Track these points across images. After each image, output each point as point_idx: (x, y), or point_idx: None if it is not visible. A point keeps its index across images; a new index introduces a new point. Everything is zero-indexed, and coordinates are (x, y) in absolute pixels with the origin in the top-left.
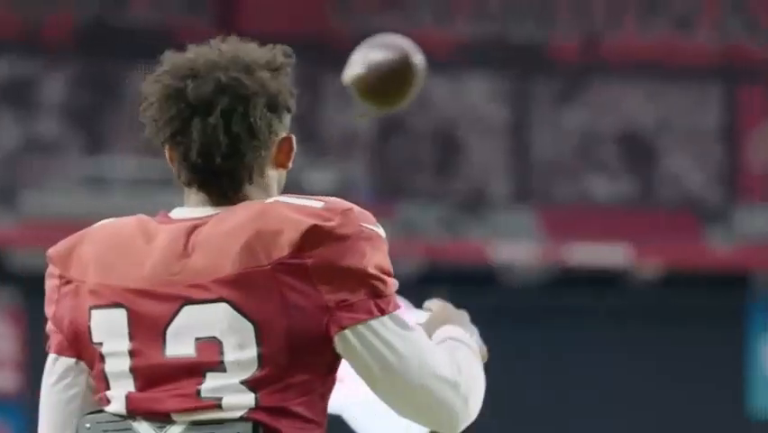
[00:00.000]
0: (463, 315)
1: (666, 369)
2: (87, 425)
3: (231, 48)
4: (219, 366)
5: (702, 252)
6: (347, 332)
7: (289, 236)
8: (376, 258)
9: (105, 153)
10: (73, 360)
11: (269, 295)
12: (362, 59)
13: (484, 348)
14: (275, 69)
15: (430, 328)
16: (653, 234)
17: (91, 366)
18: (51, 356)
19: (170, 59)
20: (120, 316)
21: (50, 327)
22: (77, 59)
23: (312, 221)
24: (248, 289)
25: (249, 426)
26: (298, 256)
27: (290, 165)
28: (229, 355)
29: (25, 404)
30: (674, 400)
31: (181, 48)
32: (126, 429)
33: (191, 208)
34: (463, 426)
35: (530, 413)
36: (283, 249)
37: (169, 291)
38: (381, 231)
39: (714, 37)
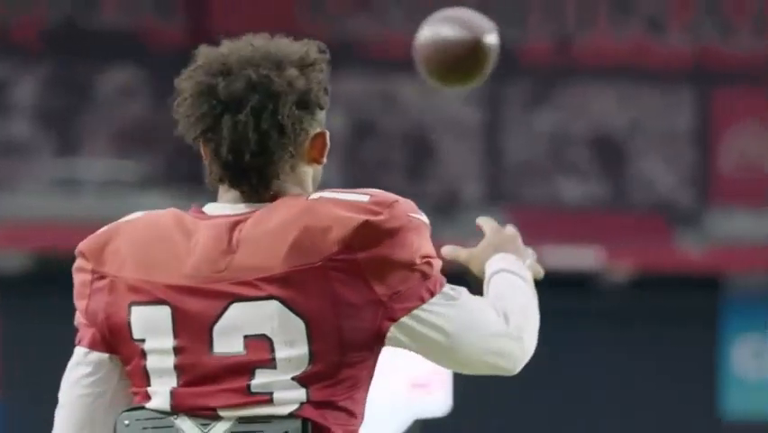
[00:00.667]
0: (515, 238)
1: (638, 371)
2: (126, 422)
3: (263, 44)
4: (270, 363)
5: (674, 254)
6: (402, 321)
7: (340, 233)
8: (423, 246)
9: (76, 155)
10: (107, 355)
11: (320, 292)
12: (432, 34)
13: (538, 268)
14: (307, 66)
15: (483, 256)
16: (624, 236)
17: (127, 362)
18: (82, 350)
19: (204, 54)
20: (164, 313)
21: (80, 320)
22: (47, 61)
23: (362, 217)
24: (298, 286)
25: (298, 423)
26: (349, 253)
27: (324, 161)
28: (280, 353)
29: None
30: (646, 402)
31: (198, 50)
32: (167, 427)
33: (226, 205)
34: (525, 362)
35: (500, 414)
36: (333, 246)
37: (215, 289)
38: (425, 218)
39: (686, 39)
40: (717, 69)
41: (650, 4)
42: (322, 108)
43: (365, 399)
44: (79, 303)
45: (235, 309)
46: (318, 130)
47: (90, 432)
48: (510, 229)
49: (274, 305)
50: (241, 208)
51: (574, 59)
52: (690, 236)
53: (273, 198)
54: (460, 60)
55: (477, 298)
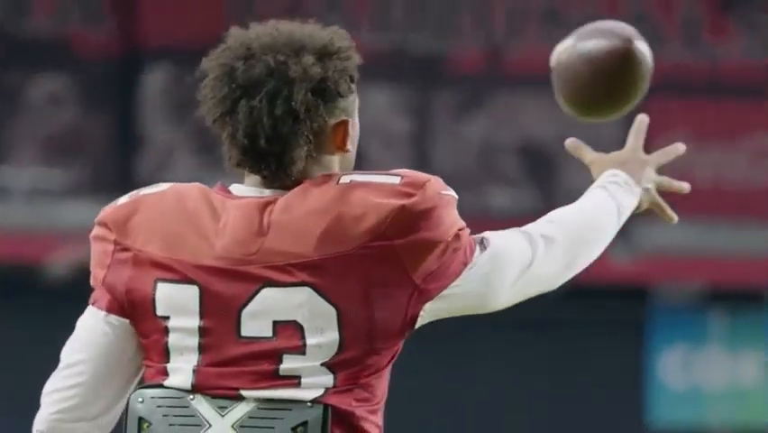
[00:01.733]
0: (644, 164)
1: (565, 382)
2: (140, 399)
3: (289, 29)
4: (299, 350)
5: (602, 265)
6: (436, 299)
7: (374, 220)
8: (456, 221)
9: (4, 164)
10: (127, 321)
11: (353, 280)
12: (570, 53)
13: (653, 198)
14: (328, 54)
15: (604, 166)
16: None
17: (145, 336)
18: (100, 313)
19: (233, 36)
20: (192, 292)
21: (97, 284)
22: None
23: (397, 202)
24: (332, 273)
25: (319, 411)
26: (385, 240)
27: (350, 148)
28: (311, 339)
29: None
30: (574, 412)
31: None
32: (184, 407)
33: (251, 188)
34: (565, 279)
35: (424, 427)
36: (368, 234)
37: (246, 271)
38: (453, 192)
39: None
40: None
41: (579, 14)
42: (342, 96)
43: (388, 375)
44: (97, 271)
45: (266, 294)
46: (341, 118)
47: (106, 368)
48: (645, 156)
49: (306, 291)
50: (266, 193)
51: (504, 68)
52: (619, 247)
53: (297, 184)
54: (611, 75)
55: (504, 241)
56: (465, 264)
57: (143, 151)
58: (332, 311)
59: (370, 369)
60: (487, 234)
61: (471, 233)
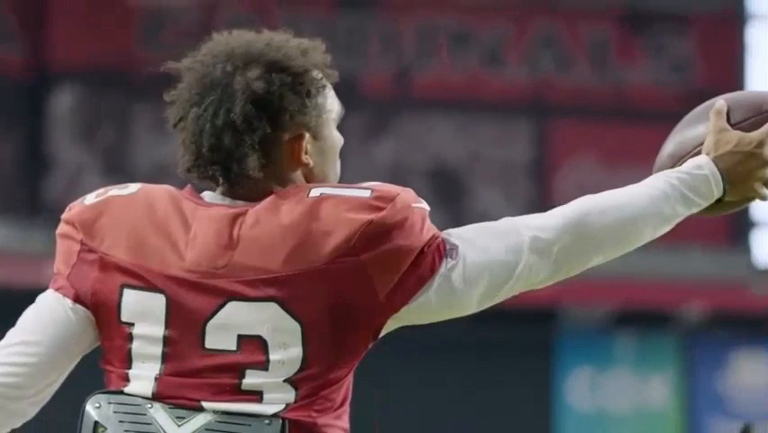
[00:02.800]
0: (725, 158)
1: (474, 402)
2: (97, 404)
3: (251, 39)
4: (262, 365)
5: None
6: (402, 310)
7: (343, 235)
8: (425, 233)
9: None
10: (91, 313)
11: (320, 295)
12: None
13: (709, 186)
14: (279, 68)
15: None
16: None
17: (106, 339)
18: (66, 300)
19: (212, 40)
20: (158, 301)
21: (60, 277)
22: None
23: (365, 216)
24: (299, 289)
25: (278, 426)
26: (353, 254)
27: (308, 162)
28: (274, 355)
29: None
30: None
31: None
32: (141, 414)
33: (222, 196)
34: (567, 269)
35: None
36: (337, 248)
37: (213, 285)
38: (425, 204)
39: (523, 71)
40: (555, 101)
41: (488, 37)
42: (289, 110)
43: (350, 382)
44: (61, 267)
45: (232, 308)
46: (298, 132)
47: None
48: (728, 136)
49: (272, 307)
50: (238, 203)
51: (413, 91)
52: None
53: (266, 194)
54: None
55: (479, 247)
56: (430, 276)
57: (52, 172)
58: (296, 327)
59: (331, 382)
60: (467, 248)
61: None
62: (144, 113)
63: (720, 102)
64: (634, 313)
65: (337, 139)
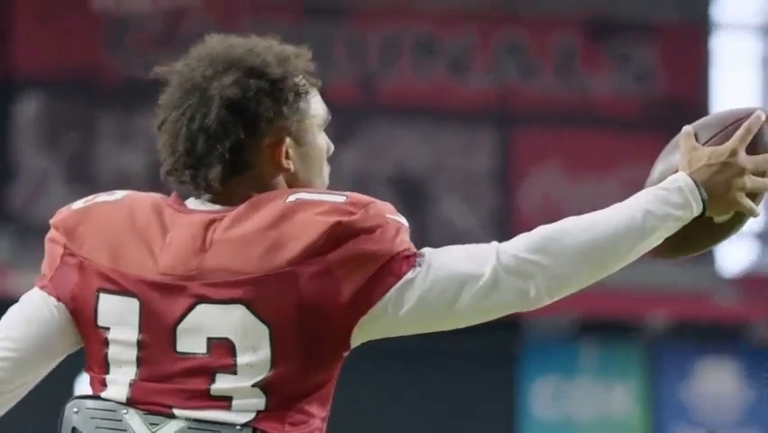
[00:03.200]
0: (701, 172)
1: (438, 411)
2: (76, 409)
3: (233, 45)
4: (231, 369)
5: None
6: (368, 316)
7: (312, 237)
8: (396, 245)
9: None
10: (69, 311)
11: (288, 297)
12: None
13: (683, 195)
14: (256, 73)
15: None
16: None
17: (85, 342)
18: (50, 298)
19: (202, 45)
20: (132, 306)
21: (45, 278)
22: None
23: (334, 218)
24: (266, 291)
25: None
26: (320, 256)
27: (289, 167)
28: (241, 358)
29: None
30: None
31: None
32: (116, 420)
33: (204, 202)
34: (546, 294)
35: None
36: (305, 250)
37: (183, 287)
38: (403, 219)
39: (488, 80)
40: (519, 109)
41: (452, 45)
42: (264, 115)
43: (330, 394)
44: (46, 270)
45: (200, 310)
46: (278, 137)
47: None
48: (697, 153)
49: (239, 309)
50: (216, 208)
51: (377, 99)
52: None
53: (243, 202)
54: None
55: (451, 263)
56: (395, 282)
57: (16, 179)
58: (264, 330)
59: (304, 391)
60: (434, 257)
61: None
62: (109, 120)
63: (686, 127)
64: (598, 322)
65: (323, 145)
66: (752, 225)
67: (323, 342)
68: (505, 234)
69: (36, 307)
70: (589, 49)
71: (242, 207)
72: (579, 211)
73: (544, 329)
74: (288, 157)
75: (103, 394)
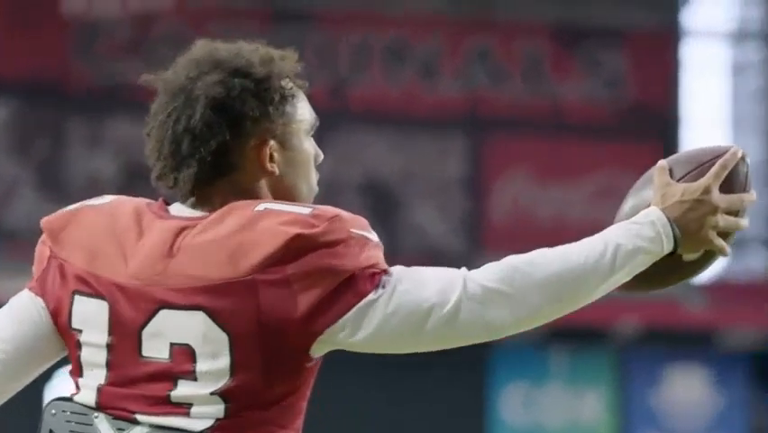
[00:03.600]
0: (674, 208)
1: (409, 417)
2: (53, 411)
3: (218, 48)
4: (191, 375)
5: None
6: (326, 333)
7: (271, 247)
8: (361, 260)
9: None
10: (50, 312)
11: (246, 306)
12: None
13: (655, 228)
14: (241, 74)
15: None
16: None
17: (67, 346)
18: (38, 298)
19: (190, 49)
20: (102, 308)
21: (34, 279)
22: None
23: (295, 230)
24: (226, 299)
25: None
26: (279, 267)
27: (274, 170)
28: (201, 365)
29: None
30: None
31: None
32: (87, 424)
33: (186, 208)
34: (510, 323)
35: None
36: (264, 260)
37: (148, 291)
38: (373, 235)
39: (458, 86)
40: (489, 116)
41: (423, 52)
42: (250, 116)
43: (301, 408)
44: (36, 270)
45: (163, 315)
46: (259, 139)
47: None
48: (668, 190)
49: (200, 316)
50: (196, 213)
51: (347, 105)
52: None
53: (221, 205)
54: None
55: (416, 280)
56: (357, 302)
57: None
58: (224, 337)
59: (265, 401)
60: (401, 279)
61: None
62: (79, 126)
63: (661, 162)
64: (568, 328)
65: (310, 151)
66: None
67: (282, 353)
68: (475, 240)
69: (25, 307)
70: (559, 55)
71: (215, 214)
72: (548, 218)
73: (514, 335)
74: (272, 160)
75: (75, 398)
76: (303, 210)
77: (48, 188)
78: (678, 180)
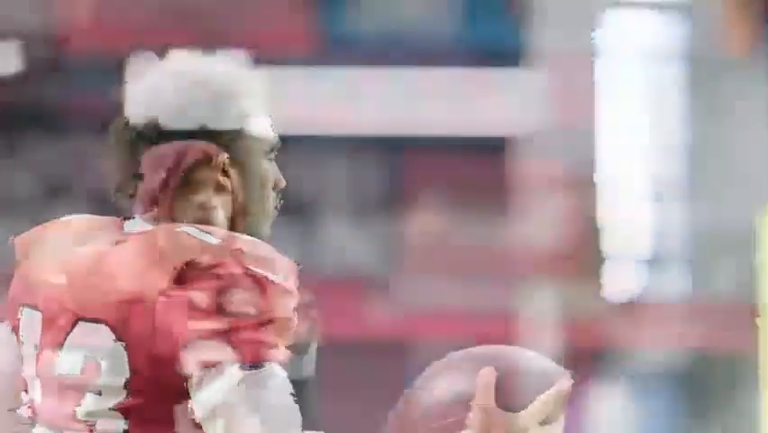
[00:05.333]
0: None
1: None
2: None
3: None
4: (96, 389)
5: (362, 320)
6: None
7: (171, 267)
8: (253, 303)
9: None
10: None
11: (146, 324)
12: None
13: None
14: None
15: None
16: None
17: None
18: (7, 328)
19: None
20: (37, 319)
21: (6, 299)
22: None
23: (191, 256)
24: (128, 315)
25: None
26: (173, 290)
27: (227, 185)
28: (105, 378)
29: None
30: None
31: None
32: None
33: (137, 222)
34: None
35: None
36: (164, 280)
37: (70, 304)
38: (278, 278)
39: (376, 103)
40: (409, 133)
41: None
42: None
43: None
44: (10, 286)
45: (80, 328)
46: (214, 152)
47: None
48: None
49: (105, 330)
50: (137, 229)
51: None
52: (380, 303)
53: (183, 219)
54: None
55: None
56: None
57: None
58: (122, 352)
59: (167, 418)
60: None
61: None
62: None
63: (488, 371)
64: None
65: (268, 172)
66: (640, 251)
67: (167, 376)
68: (393, 259)
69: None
70: (477, 75)
71: (145, 231)
72: (469, 237)
73: (432, 352)
74: (227, 176)
75: (18, 411)
76: (210, 239)
77: None
78: (505, 407)
